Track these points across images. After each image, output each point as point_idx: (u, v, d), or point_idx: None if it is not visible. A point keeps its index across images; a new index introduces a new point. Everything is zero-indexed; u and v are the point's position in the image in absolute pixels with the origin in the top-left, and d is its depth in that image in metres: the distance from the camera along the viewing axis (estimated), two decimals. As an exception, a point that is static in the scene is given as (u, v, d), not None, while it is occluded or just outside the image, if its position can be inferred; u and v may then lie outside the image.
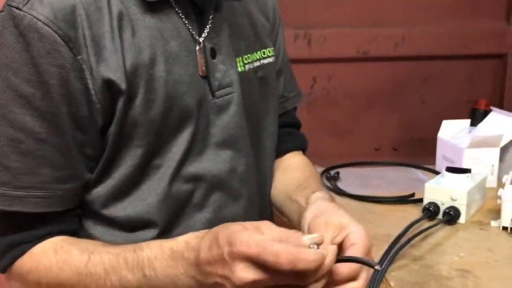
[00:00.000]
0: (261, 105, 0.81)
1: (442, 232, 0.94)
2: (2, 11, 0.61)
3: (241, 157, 0.74)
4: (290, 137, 0.92)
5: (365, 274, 0.59)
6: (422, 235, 0.90)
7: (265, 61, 0.81)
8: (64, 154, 0.63)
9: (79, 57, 0.60)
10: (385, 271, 0.78)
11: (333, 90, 1.61)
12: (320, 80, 1.61)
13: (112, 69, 0.62)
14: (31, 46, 0.59)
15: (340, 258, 0.58)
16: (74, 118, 0.62)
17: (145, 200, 0.67)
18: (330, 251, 0.54)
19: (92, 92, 0.62)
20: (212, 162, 0.71)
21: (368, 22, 1.55)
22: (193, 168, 0.69)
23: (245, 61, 0.77)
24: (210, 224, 0.66)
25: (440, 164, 1.24)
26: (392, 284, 0.75)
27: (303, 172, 0.85)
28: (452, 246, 0.88)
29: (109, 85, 0.62)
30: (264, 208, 0.84)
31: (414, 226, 0.91)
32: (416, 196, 1.07)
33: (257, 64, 0.79)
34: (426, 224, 0.94)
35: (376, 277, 0.76)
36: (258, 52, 0.80)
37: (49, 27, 0.59)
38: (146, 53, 0.64)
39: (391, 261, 0.80)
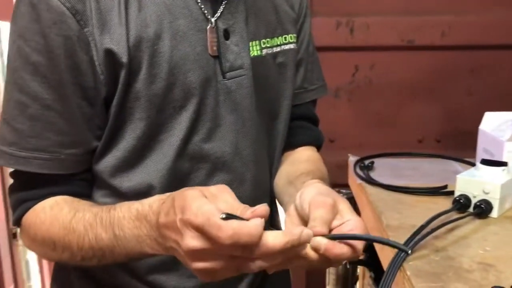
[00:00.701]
0: (278, 90, 0.81)
1: (471, 225, 0.91)
2: None
3: (247, 140, 0.75)
4: (304, 131, 0.91)
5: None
6: (449, 227, 0.88)
7: (286, 47, 0.81)
8: (68, 120, 0.66)
9: (85, 30, 0.63)
10: (404, 260, 0.77)
11: (375, 79, 1.59)
12: (362, 68, 1.59)
13: (114, 41, 0.64)
14: (40, 17, 0.62)
15: (364, 237, 0.58)
16: (80, 88, 0.66)
17: (149, 173, 0.69)
18: (290, 233, 0.53)
19: (97, 63, 0.65)
20: (217, 143, 0.72)
21: (414, 10, 1.51)
22: (196, 147, 0.71)
23: (263, 45, 0.77)
24: None
25: (481, 157, 1.20)
26: (408, 273, 0.74)
27: (311, 165, 0.84)
28: (478, 239, 0.85)
29: (111, 56, 0.65)
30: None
31: (442, 218, 0.89)
32: (449, 189, 1.05)
33: (277, 49, 0.79)
34: (455, 216, 0.92)
35: (392, 265, 0.76)
36: (279, 38, 0.80)
37: None
38: (151, 28, 0.66)
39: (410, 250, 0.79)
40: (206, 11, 0.70)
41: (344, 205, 0.61)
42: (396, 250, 0.76)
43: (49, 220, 0.67)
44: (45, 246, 0.69)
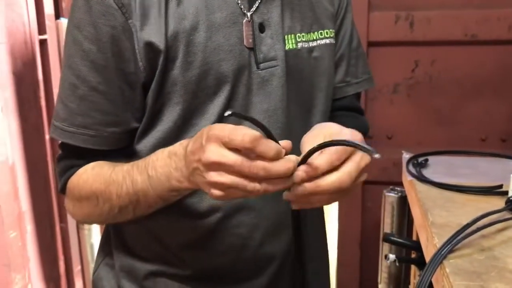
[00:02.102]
0: (312, 83, 0.83)
1: (525, 226, 0.87)
2: None
3: (277, 128, 0.77)
4: (348, 119, 0.92)
5: (351, 165, 0.61)
6: (499, 227, 0.85)
7: (322, 42, 0.83)
8: (111, 102, 0.73)
9: (130, 21, 0.70)
10: (444, 257, 0.75)
11: (436, 75, 1.54)
12: (422, 64, 1.54)
13: (153, 32, 0.70)
14: (91, 9, 0.70)
15: (331, 142, 0.59)
16: (122, 73, 0.72)
17: None
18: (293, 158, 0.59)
19: (137, 51, 0.71)
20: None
21: (478, 3, 1.45)
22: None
23: (298, 39, 0.80)
24: None
25: (545, 157, 1.14)
26: (447, 270, 0.72)
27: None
28: (529, 241, 0.82)
29: (150, 46, 0.70)
30: None
31: (492, 217, 0.86)
32: (505, 189, 1.00)
33: (313, 44, 0.81)
34: (507, 216, 0.88)
35: (432, 261, 0.75)
36: (315, 33, 0.82)
37: None
38: (188, 21, 0.71)
39: (452, 249, 0.77)
40: (242, 6, 0.75)
41: (329, 128, 0.65)
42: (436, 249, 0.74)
43: (92, 177, 0.74)
44: (89, 202, 0.75)
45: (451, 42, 1.49)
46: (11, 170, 1.45)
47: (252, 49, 0.75)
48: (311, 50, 0.81)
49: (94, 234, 1.80)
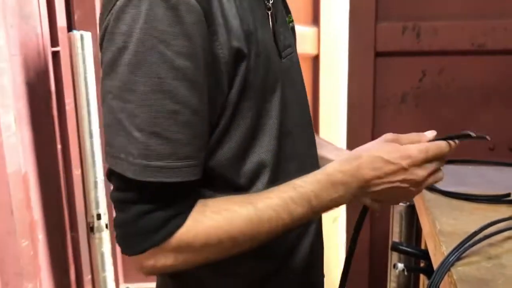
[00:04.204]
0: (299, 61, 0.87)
1: (533, 235, 0.87)
2: None
3: (304, 110, 0.83)
4: None
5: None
6: (506, 235, 0.85)
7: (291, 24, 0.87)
8: (205, 123, 0.65)
9: (211, 29, 0.62)
10: (452, 265, 0.76)
11: (444, 84, 1.55)
12: (430, 73, 1.55)
13: (236, 37, 0.64)
14: (183, 18, 0.59)
15: (449, 136, 0.75)
16: (209, 87, 0.64)
17: (260, 154, 0.72)
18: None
19: (223, 60, 0.64)
20: (291, 118, 0.77)
21: (485, 13, 1.46)
22: (284, 125, 0.74)
23: (289, 20, 0.84)
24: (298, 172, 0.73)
25: (553, 166, 1.14)
26: (454, 277, 0.73)
27: None
28: (537, 249, 0.82)
29: (236, 53, 0.64)
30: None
31: (499, 225, 0.86)
32: (513, 197, 1.01)
33: (291, 25, 0.86)
34: (515, 225, 0.89)
35: (440, 269, 0.75)
36: (289, 15, 0.86)
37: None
38: (250, 21, 0.68)
39: (459, 256, 0.77)
40: (266, 1, 0.75)
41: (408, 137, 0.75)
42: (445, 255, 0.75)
43: (225, 221, 0.65)
44: (219, 247, 0.66)
45: (458, 52, 1.50)
46: (23, 180, 1.48)
47: (275, 40, 0.75)
48: (293, 29, 0.86)
49: (105, 243, 1.81)
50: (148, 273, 0.66)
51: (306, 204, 0.70)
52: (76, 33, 1.65)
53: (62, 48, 1.68)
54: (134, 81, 0.59)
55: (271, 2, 0.76)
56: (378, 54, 1.53)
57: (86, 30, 1.69)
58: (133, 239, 0.64)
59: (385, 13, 1.51)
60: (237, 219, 0.66)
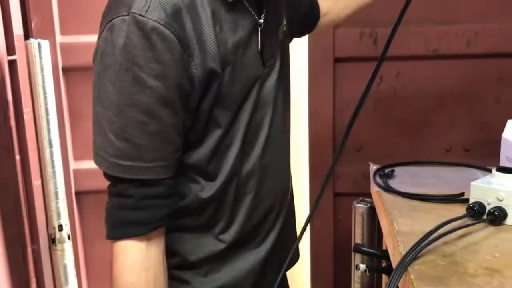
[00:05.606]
0: (288, 68, 0.94)
1: (484, 232, 0.91)
2: (122, 17, 0.71)
3: (276, 113, 0.88)
4: None
5: None
6: (460, 234, 0.89)
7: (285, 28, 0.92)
8: (178, 130, 0.76)
9: (187, 52, 0.72)
10: (409, 264, 0.78)
11: (401, 88, 1.59)
12: (387, 78, 1.59)
13: (211, 59, 0.75)
14: (155, 46, 0.70)
15: None
16: (185, 101, 0.75)
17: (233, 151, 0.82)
18: None
19: (196, 78, 0.74)
20: (263, 118, 0.85)
21: (438, 19, 1.51)
22: (255, 122, 0.84)
23: (282, 30, 0.90)
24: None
25: (504, 165, 1.18)
26: (412, 276, 0.76)
27: None
28: (488, 246, 0.85)
29: (210, 72, 0.75)
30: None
31: (454, 224, 0.90)
32: (466, 196, 1.05)
33: (285, 28, 0.91)
34: (468, 222, 0.92)
35: (398, 269, 0.78)
36: (282, 25, 0.91)
37: (168, 29, 0.70)
38: (230, 43, 0.77)
39: (416, 255, 0.80)
40: (256, 17, 0.81)
41: None
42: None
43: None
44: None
45: (414, 57, 1.55)
46: (-20, 192, 1.43)
47: (261, 52, 0.82)
48: (285, 36, 0.91)
49: (67, 254, 1.77)
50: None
51: None
52: (33, 41, 1.61)
53: (19, 57, 1.64)
54: (113, 94, 0.72)
55: (262, 18, 0.82)
56: (336, 60, 1.57)
57: (44, 38, 1.66)
58: (107, 226, 0.78)
59: (343, 19, 1.54)
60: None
